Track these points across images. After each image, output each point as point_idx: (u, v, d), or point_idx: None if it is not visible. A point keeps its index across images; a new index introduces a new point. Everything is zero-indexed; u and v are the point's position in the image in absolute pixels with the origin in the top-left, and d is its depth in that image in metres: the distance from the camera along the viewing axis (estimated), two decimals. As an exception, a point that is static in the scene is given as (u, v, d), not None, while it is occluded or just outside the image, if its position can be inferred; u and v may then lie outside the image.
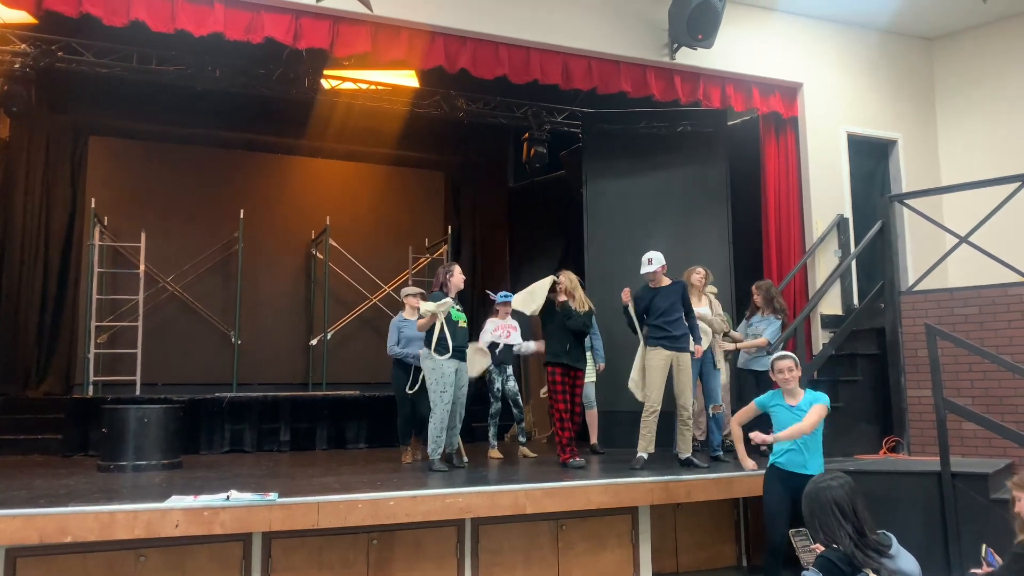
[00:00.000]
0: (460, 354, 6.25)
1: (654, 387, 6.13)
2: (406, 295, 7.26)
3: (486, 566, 5.20)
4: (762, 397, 4.88)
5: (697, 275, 7.02)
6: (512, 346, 7.27)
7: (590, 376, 7.27)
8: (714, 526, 6.24)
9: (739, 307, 7.83)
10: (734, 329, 7.37)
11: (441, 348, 6.13)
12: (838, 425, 6.85)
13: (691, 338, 6.27)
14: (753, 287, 7.23)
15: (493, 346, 7.16)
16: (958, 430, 6.18)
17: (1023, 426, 5.85)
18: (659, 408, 6.17)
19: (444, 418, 6.11)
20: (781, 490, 4.60)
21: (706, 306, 6.98)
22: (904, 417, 6.85)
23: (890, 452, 6.73)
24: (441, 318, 6.11)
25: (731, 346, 7.11)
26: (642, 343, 6.35)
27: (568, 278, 6.54)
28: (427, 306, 6.13)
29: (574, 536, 5.46)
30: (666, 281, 6.32)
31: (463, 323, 6.32)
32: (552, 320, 6.46)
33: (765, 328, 6.93)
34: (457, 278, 6.39)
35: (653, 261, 6.27)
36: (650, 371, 6.16)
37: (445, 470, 6.00)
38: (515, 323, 7.33)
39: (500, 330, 7.25)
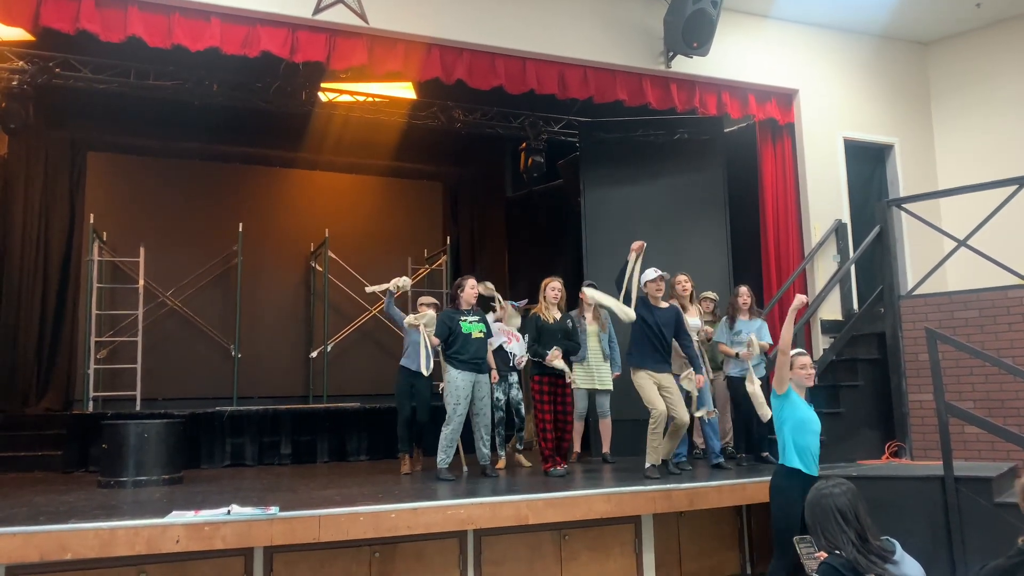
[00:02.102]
0: (476, 366, 6.23)
1: (655, 398, 6.08)
2: (420, 304, 7.24)
3: (489, 577, 5.18)
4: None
5: (679, 284, 6.86)
6: (515, 355, 7.23)
7: (607, 385, 7.27)
8: (718, 534, 6.21)
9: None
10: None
11: (454, 360, 6.15)
12: (840, 430, 6.84)
13: (692, 365, 6.22)
14: (744, 288, 6.99)
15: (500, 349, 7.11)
16: (960, 434, 6.15)
17: (1025, 429, 5.84)
18: (666, 418, 6.13)
19: (457, 430, 6.18)
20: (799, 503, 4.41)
21: (696, 316, 6.92)
22: (906, 422, 6.82)
23: (892, 457, 6.70)
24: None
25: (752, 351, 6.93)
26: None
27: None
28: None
29: (577, 546, 5.43)
30: (664, 304, 6.21)
31: (477, 333, 6.27)
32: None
33: (757, 329, 6.68)
34: (468, 292, 6.41)
35: (656, 273, 6.14)
36: (643, 389, 6.11)
37: (452, 479, 6.05)
38: (517, 333, 7.27)
39: (501, 332, 7.21)
